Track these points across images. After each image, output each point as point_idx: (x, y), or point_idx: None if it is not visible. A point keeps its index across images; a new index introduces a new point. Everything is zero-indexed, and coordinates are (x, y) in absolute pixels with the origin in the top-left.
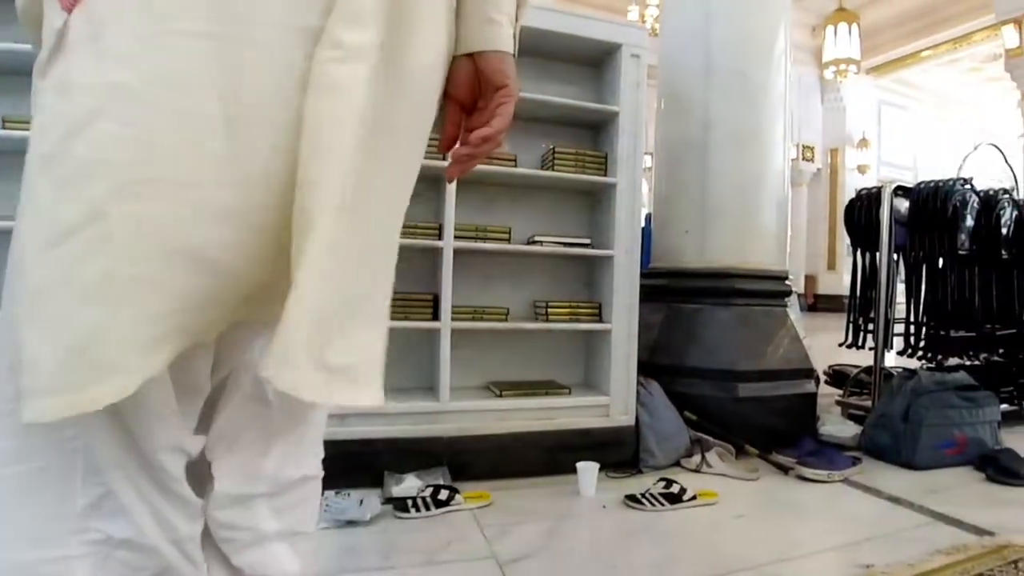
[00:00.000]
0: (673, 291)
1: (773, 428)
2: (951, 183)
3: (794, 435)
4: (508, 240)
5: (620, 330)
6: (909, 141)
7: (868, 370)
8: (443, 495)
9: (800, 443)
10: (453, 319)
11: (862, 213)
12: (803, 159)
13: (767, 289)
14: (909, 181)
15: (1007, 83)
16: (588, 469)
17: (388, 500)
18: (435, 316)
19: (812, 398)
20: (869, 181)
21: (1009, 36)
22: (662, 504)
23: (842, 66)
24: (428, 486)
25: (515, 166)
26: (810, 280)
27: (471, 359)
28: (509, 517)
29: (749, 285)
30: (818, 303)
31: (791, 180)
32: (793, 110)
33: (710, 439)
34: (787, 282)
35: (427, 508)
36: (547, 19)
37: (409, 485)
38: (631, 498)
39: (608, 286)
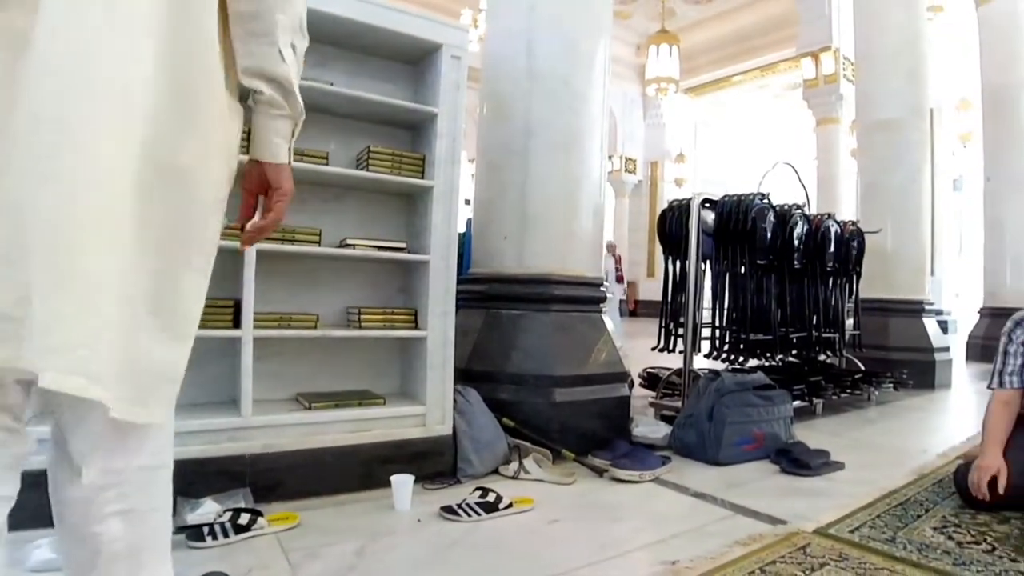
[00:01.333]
0: (492, 297)
1: (589, 432)
2: (751, 198)
3: (609, 438)
4: (318, 243)
5: (436, 337)
6: (722, 157)
7: (679, 372)
8: (244, 519)
9: (615, 445)
10: (256, 326)
11: (673, 223)
12: (626, 171)
13: (585, 295)
14: (720, 195)
15: (805, 110)
16: (403, 482)
17: (181, 529)
18: (236, 323)
19: (626, 401)
20: (686, 194)
21: (807, 68)
22: (478, 514)
23: (663, 84)
24: (227, 510)
25: (327, 164)
26: (632, 286)
27: (278, 370)
28: (318, 538)
29: (567, 291)
30: (639, 308)
31: (615, 191)
32: (618, 123)
33: (528, 445)
34: (603, 288)
35: (225, 535)
36: (366, 12)
37: (206, 511)
38: (447, 510)
39: (424, 292)
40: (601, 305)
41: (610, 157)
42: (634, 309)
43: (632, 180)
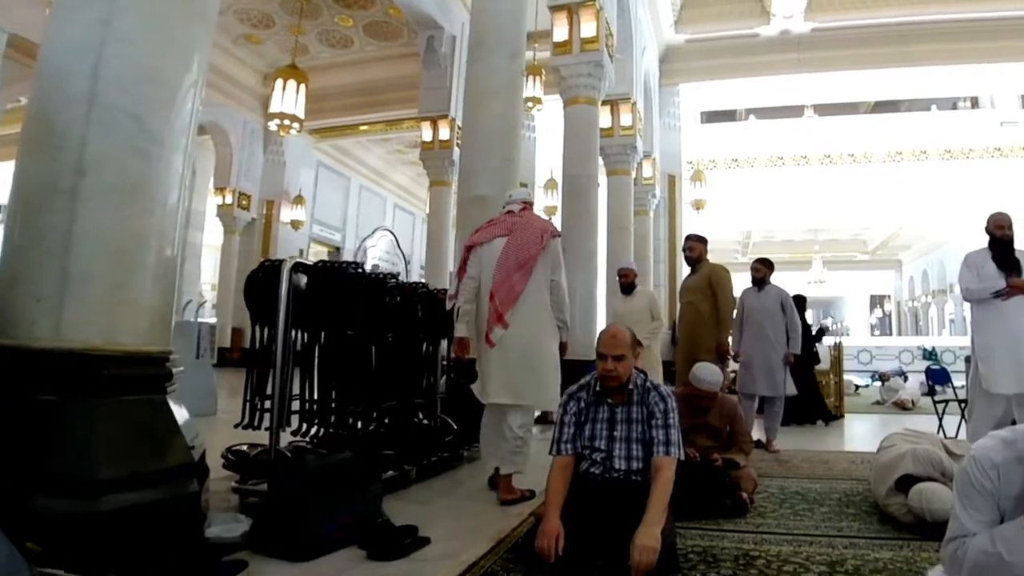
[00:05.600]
0: (17, 378)
1: (149, 543)
2: (344, 265)
3: (174, 548)
4: None
5: None
6: (342, 204)
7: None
8: None
9: (179, 557)
10: None
11: (261, 287)
12: (239, 207)
13: (145, 374)
14: (338, 241)
15: (423, 168)
16: None
17: None
18: None
19: (195, 499)
20: (302, 237)
21: (426, 131)
22: None
23: (286, 121)
24: None
25: None
26: (238, 333)
27: None
28: None
29: (121, 370)
30: (244, 357)
31: (224, 227)
32: (234, 155)
33: (62, 574)
34: (169, 363)
35: None
36: None
37: None
38: None
39: None
40: (167, 384)
41: (222, 189)
42: (239, 357)
43: (245, 217)
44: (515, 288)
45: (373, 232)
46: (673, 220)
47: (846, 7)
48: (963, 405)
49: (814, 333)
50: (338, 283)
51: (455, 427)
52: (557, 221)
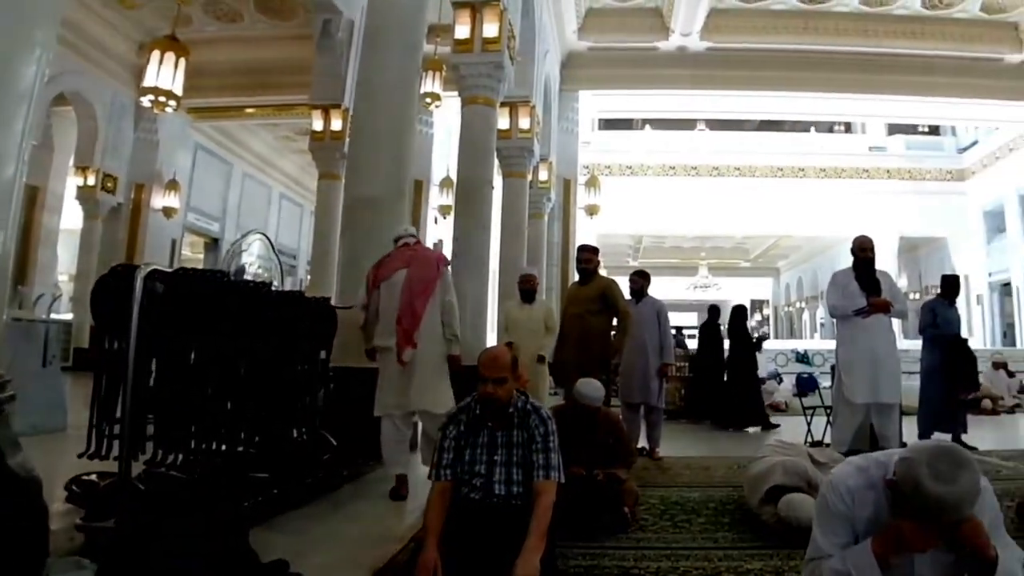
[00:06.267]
0: None
1: None
2: (209, 273)
3: None
4: None
5: None
6: (222, 192)
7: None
8: None
9: None
10: None
11: (111, 295)
12: (103, 189)
13: None
14: (217, 232)
15: (311, 158)
16: None
17: None
18: None
19: (25, 539)
20: (175, 226)
21: (317, 121)
22: None
23: (161, 98)
24: None
25: None
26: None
27: None
28: None
29: None
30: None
31: (86, 211)
32: (100, 131)
33: None
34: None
35: None
36: None
37: None
38: None
39: None
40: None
41: (84, 168)
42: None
43: (110, 201)
44: (417, 312)
45: (247, 235)
46: (567, 224)
47: (740, 31)
48: (828, 411)
49: (754, 341)
50: (201, 293)
51: (335, 444)
52: (451, 221)
